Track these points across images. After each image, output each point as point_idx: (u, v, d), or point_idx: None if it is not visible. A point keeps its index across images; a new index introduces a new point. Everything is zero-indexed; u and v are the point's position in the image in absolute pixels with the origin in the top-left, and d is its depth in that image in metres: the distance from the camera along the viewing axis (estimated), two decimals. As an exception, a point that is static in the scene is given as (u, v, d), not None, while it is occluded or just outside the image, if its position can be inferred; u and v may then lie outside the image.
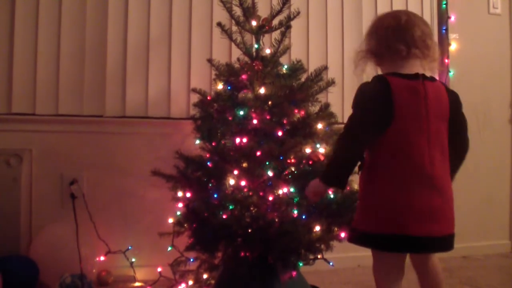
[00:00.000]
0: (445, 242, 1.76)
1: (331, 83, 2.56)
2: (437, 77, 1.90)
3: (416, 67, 1.80)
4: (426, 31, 1.81)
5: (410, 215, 1.70)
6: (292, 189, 2.35)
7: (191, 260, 2.74)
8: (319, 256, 2.54)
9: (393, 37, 1.80)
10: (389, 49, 1.81)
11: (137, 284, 2.99)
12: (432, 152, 1.74)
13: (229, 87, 2.61)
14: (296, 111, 2.49)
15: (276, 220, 2.32)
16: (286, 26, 2.58)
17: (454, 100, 1.86)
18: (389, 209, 1.72)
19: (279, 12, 2.56)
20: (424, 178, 1.72)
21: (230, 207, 2.32)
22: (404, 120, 1.72)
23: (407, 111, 1.73)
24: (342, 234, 2.41)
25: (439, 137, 1.78)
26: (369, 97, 1.76)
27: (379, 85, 1.74)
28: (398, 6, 3.73)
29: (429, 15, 3.82)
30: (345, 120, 1.79)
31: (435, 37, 3.79)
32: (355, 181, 2.52)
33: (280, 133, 2.41)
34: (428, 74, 1.81)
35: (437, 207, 1.72)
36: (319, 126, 2.49)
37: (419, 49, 1.79)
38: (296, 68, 2.65)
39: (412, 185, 1.72)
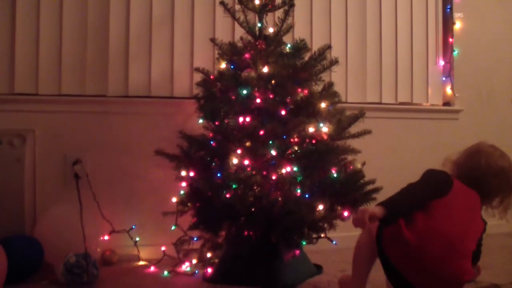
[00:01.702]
0: None
1: (335, 62, 2.54)
2: None
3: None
4: (504, 180, 1.99)
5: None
6: (295, 168, 2.35)
7: (195, 239, 2.76)
8: (322, 235, 2.55)
9: (470, 179, 1.99)
10: (464, 179, 2.00)
11: (141, 263, 3.01)
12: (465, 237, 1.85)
13: (232, 66, 2.60)
14: (299, 90, 2.49)
15: (280, 199, 2.32)
16: (289, 4, 2.56)
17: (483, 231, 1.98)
18: None
19: (283, -10, 2.55)
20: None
21: (234, 186, 2.33)
22: (456, 205, 1.90)
23: (458, 202, 1.91)
24: (345, 213, 2.42)
25: (469, 234, 1.89)
26: (440, 174, 1.98)
27: (447, 174, 1.99)
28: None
29: (433, -6, 3.80)
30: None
31: (439, 19, 3.81)
32: (358, 160, 2.54)
33: (283, 112, 2.41)
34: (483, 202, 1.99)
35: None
36: (323, 105, 2.48)
37: (485, 196, 1.99)
38: (300, 47, 2.63)
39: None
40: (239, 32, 2.78)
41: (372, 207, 1.85)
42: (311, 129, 2.42)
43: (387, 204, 1.84)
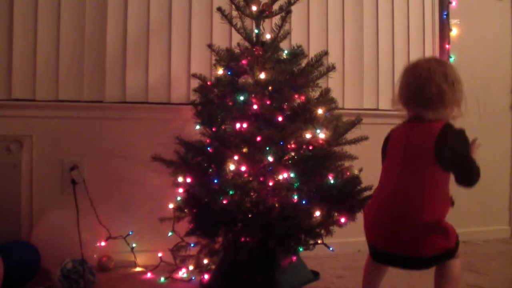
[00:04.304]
0: (409, 263, 1.94)
1: (332, 68, 2.55)
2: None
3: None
4: (443, 86, 1.98)
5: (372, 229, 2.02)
6: (292, 174, 2.35)
7: (192, 245, 2.75)
8: (319, 241, 2.54)
9: (410, 97, 2.03)
10: (407, 104, 2.05)
11: (138, 269, 3.00)
12: (402, 181, 1.94)
13: (229, 72, 2.60)
14: (296, 96, 2.49)
15: (276, 205, 2.33)
16: (286, 11, 2.57)
17: (441, 137, 1.93)
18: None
19: (280, -4, 2.55)
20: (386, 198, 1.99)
21: (230, 192, 2.33)
22: (390, 155, 2.06)
23: (391, 150, 2.06)
24: (342, 219, 2.42)
25: (415, 169, 1.93)
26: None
27: (385, 139, 2.15)
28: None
29: (430, 0, 3.81)
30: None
31: (436, 25, 3.81)
32: (355, 166, 2.54)
33: (280, 119, 2.41)
34: (432, 116, 1.98)
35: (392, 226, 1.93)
36: (320, 111, 2.48)
37: (432, 104, 1.98)
38: (297, 53, 2.64)
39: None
40: (236, 38, 2.80)
41: None
42: (308, 135, 2.43)
43: None
